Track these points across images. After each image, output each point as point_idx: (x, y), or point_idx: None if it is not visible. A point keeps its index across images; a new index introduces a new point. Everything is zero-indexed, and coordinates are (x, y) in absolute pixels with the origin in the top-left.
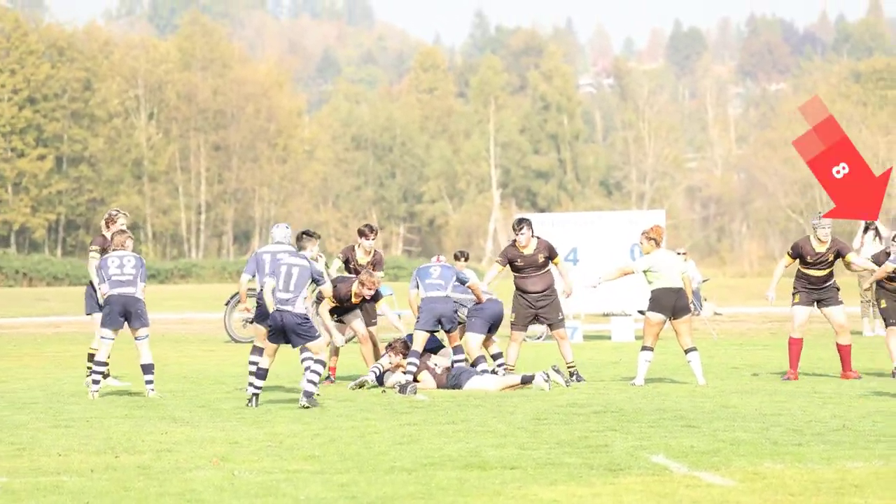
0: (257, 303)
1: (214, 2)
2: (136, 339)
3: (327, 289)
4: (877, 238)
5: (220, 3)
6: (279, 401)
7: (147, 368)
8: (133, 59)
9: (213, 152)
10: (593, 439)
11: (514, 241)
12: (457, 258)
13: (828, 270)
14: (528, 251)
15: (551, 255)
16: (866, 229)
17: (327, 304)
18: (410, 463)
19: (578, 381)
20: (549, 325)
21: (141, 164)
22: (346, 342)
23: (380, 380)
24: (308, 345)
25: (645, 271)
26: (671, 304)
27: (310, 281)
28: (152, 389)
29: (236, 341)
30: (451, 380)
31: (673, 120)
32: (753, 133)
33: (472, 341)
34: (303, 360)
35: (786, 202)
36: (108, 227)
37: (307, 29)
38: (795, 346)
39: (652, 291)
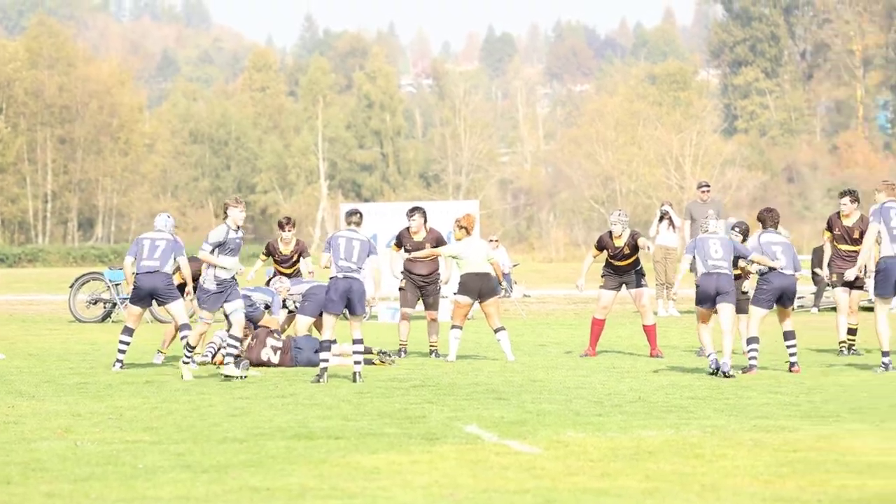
0: (134, 286)
1: (60, 5)
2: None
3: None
4: (670, 227)
5: (65, 6)
6: (131, 374)
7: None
8: None
9: (59, 145)
10: (412, 411)
11: (408, 226)
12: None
13: (631, 259)
14: (417, 238)
15: (438, 244)
16: (661, 218)
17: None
18: (242, 433)
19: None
20: (426, 305)
21: None
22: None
23: (214, 358)
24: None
25: (454, 257)
26: (477, 287)
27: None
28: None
29: (80, 321)
30: (292, 358)
31: (487, 118)
32: (560, 130)
33: (301, 322)
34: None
35: (589, 194)
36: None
37: (148, 30)
38: (597, 325)
39: (461, 276)
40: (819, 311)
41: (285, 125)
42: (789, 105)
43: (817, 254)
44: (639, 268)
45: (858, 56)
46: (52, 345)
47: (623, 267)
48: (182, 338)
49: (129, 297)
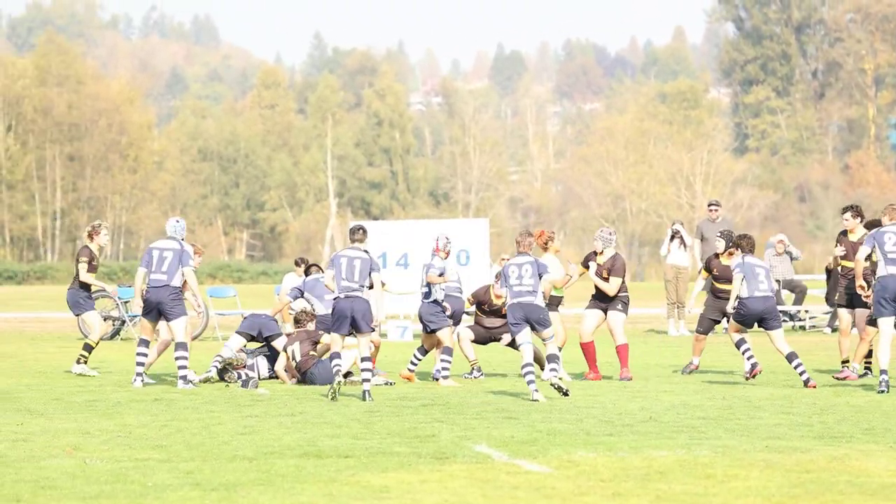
0: (143, 299)
1: (69, 22)
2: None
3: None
4: (682, 246)
5: (74, 23)
6: (138, 393)
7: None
8: None
9: (68, 162)
10: (421, 430)
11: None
12: (297, 264)
13: (607, 286)
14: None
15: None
16: (672, 237)
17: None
18: (251, 452)
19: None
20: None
21: None
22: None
23: (220, 373)
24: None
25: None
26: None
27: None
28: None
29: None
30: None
31: (496, 136)
32: (570, 148)
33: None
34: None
35: (599, 212)
36: (91, 238)
37: (156, 48)
38: (587, 348)
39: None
40: (833, 331)
41: (294, 143)
42: (801, 124)
43: (829, 274)
44: (621, 294)
45: (870, 75)
46: (61, 363)
47: (604, 291)
48: (177, 358)
49: (138, 313)
